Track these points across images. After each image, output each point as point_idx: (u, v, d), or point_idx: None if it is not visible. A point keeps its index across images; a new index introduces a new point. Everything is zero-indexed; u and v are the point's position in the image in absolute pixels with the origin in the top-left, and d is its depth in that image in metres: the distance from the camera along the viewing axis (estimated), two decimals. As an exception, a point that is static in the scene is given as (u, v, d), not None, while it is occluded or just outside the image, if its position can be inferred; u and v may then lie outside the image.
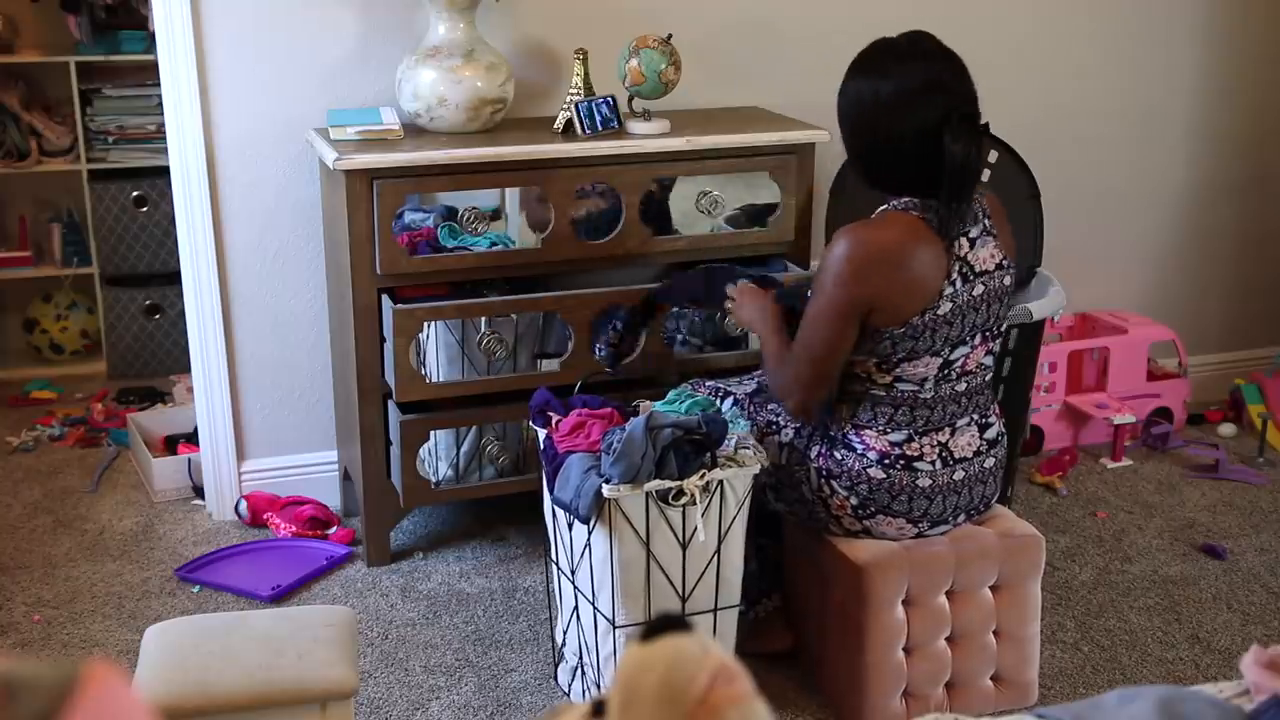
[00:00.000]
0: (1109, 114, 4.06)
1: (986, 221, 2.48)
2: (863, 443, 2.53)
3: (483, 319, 3.11)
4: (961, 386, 2.52)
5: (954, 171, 2.33)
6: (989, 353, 2.55)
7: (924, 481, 2.52)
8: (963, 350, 2.48)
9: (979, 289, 2.45)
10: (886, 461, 2.51)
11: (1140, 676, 2.82)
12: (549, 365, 3.19)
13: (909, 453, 2.51)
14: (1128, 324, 4.04)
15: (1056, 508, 3.60)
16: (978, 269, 2.44)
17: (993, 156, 3.52)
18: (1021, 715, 1.70)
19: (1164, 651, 2.92)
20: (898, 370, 2.47)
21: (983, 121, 2.41)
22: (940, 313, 2.41)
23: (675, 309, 3.22)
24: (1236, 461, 3.90)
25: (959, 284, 2.42)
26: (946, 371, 2.48)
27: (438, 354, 3.14)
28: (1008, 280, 2.51)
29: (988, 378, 2.58)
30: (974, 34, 3.79)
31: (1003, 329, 2.56)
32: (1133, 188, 4.16)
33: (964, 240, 2.43)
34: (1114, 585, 3.21)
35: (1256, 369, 4.30)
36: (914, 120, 2.36)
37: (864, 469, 2.52)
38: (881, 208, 2.49)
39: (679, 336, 3.35)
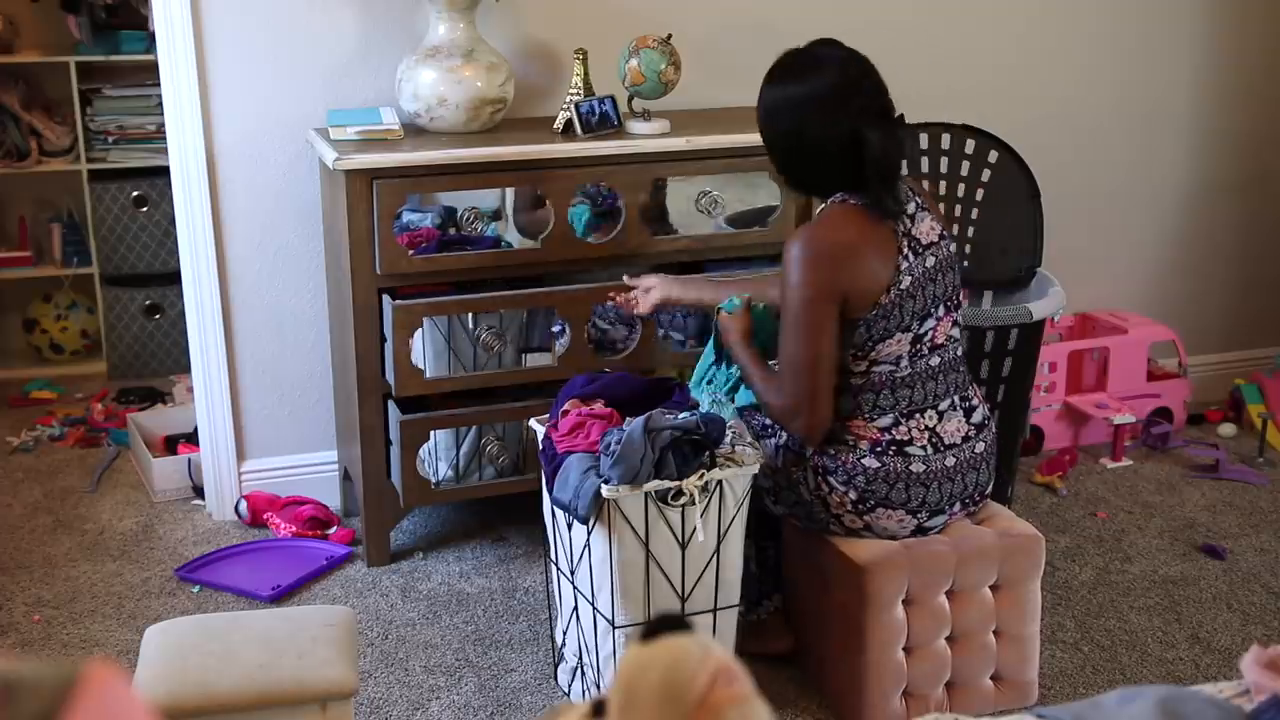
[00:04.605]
0: (1109, 114, 4.06)
1: (919, 199, 2.56)
2: (852, 435, 2.55)
3: (470, 315, 3.11)
4: (935, 361, 2.55)
5: (875, 163, 2.42)
6: (954, 324, 2.60)
7: (917, 468, 2.53)
8: (929, 323, 2.53)
9: (930, 260, 2.52)
10: (879, 449, 2.53)
11: (1140, 676, 2.82)
12: (536, 359, 3.19)
13: (899, 437, 2.53)
14: (1128, 324, 4.04)
15: (1056, 508, 3.60)
16: (924, 241, 2.52)
17: (993, 156, 3.52)
18: (1021, 715, 1.70)
19: (1164, 651, 2.93)
20: (872, 354, 2.51)
21: (898, 114, 2.50)
22: (903, 287, 2.47)
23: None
24: (1236, 461, 3.90)
25: (911, 258, 2.49)
26: (918, 347, 2.53)
27: (424, 349, 3.15)
28: (951, 248, 2.59)
29: (958, 352, 2.62)
30: (974, 34, 3.81)
31: (960, 299, 2.62)
32: (1133, 187, 4.16)
33: (905, 218, 2.51)
34: (1114, 585, 3.21)
35: (1256, 369, 4.30)
36: (833, 122, 2.45)
37: (858, 460, 2.53)
38: (820, 208, 2.57)
39: (667, 334, 3.35)
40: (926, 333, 2.52)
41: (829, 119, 2.45)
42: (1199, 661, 2.89)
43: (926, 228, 2.53)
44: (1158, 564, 3.31)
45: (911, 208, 2.52)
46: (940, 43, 3.80)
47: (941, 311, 2.54)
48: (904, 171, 2.56)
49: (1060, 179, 3.90)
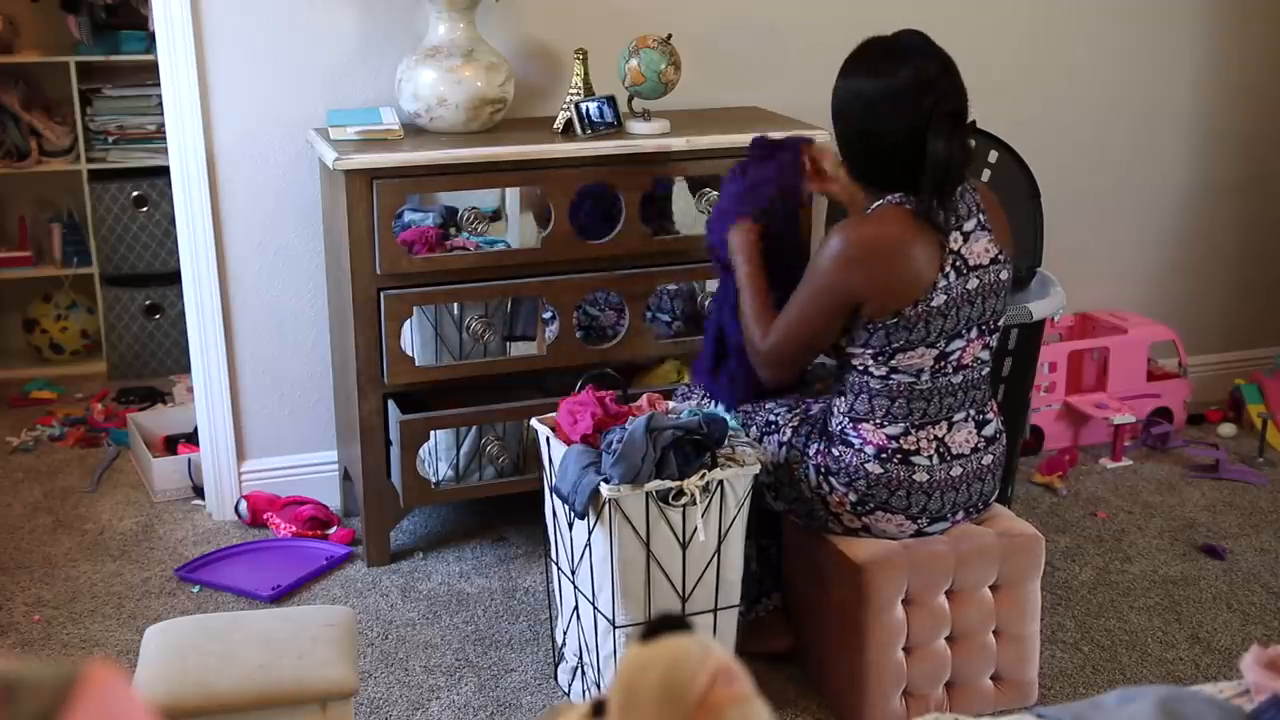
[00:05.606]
0: (1109, 114, 4.06)
1: (981, 216, 2.48)
2: (860, 437, 2.54)
3: (456, 306, 3.12)
4: (958, 379, 2.52)
5: (936, 168, 2.37)
6: (986, 347, 2.55)
7: (921, 476, 2.52)
8: (958, 344, 2.49)
9: (973, 283, 2.46)
10: (884, 456, 2.52)
11: (1140, 676, 2.82)
12: (521, 349, 3.20)
13: (906, 446, 2.51)
14: (1128, 324, 4.04)
15: (1056, 508, 3.60)
16: (972, 263, 2.46)
17: (993, 156, 3.52)
18: (1021, 715, 1.70)
19: (1164, 651, 2.93)
20: (894, 361, 2.48)
21: (970, 119, 2.44)
22: (934, 305, 2.42)
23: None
24: (1236, 461, 3.90)
25: (952, 277, 2.43)
26: (942, 364, 2.49)
27: (412, 339, 3.16)
28: (1004, 275, 2.52)
29: (984, 373, 2.59)
30: (974, 34, 3.81)
31: (1000, 324, 2.57)
32: (1133, 187, 4.16)
33: (958, 234, 2.45)
34: (1114, 585, 3.21)
35: (1256, 369, 4.30)
36: (901, 118, 2.40)
37: (861, 464, 2.52)
38: (876, 203, 2.50)
39: (654, 315, 3.36)
40: (953, 352, 2.49)
41: (896, 117, 2.40)
42: (1199, 661, 2.89)
43: (980, 248, 2.46)
44: (1158, 564, 3.31)
45: (971, 224, 2.46)
46: (940, 42, 3.79)
47: (974, 334, 2.50)
48: (969, 181, 2.49)
49: (1060, 179, 3.90)
